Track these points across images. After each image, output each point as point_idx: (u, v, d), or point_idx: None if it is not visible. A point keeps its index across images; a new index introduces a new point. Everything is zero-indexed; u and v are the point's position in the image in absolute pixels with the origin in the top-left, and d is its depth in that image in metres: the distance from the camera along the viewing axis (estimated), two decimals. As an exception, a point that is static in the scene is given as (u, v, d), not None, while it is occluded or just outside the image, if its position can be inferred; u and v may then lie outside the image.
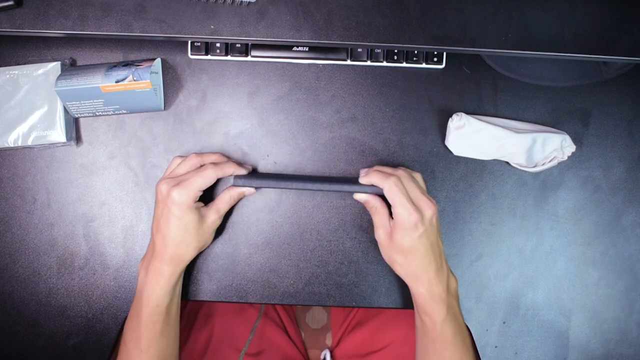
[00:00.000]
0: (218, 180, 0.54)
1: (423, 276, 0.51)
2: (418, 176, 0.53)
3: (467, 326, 0.58)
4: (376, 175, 0.51)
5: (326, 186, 0.53)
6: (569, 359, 0.60)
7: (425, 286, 0.51)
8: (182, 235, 0.51)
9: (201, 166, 0.53)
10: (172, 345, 0.54)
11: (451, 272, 0.53)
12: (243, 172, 0.54)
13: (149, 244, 0.53)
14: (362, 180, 0.52)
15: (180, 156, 0.54)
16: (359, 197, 0.53)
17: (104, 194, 0.58)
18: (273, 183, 0.53)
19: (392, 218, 0.51)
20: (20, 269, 0.58)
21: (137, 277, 0.53)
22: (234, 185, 0.53)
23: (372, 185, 0.51)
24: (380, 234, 0.52)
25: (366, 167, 0.55)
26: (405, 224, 0.49)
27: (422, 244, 0.50)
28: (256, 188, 0.55)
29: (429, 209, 0.50)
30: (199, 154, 0.54)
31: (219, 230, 0.58)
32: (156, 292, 0.51)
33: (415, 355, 0.56)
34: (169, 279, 0.51)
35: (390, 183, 0.50)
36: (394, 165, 0.58)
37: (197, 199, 0.51)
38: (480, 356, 0.59)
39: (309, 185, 0.52)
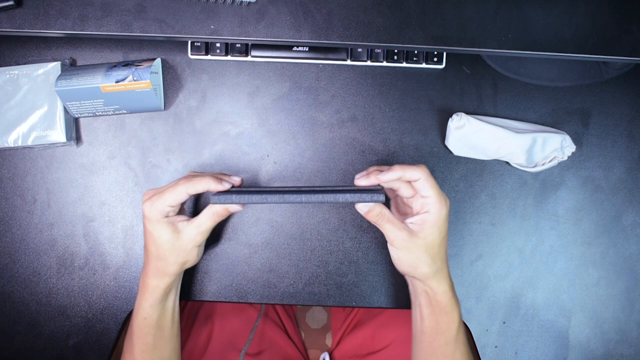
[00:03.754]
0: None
1: (445, 271, 0.49)
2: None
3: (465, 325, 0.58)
4: (398, 167, 0.46)
5: (316, 197, 0.45)
6: (569, 359, 0.60)
7: (447, 281, 0.49)
8: (157, 249, 0.50)
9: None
10: (168, 359, 0.53)
11: None
12: (220, 187, 0.49)
13: None
14: (362, 180, 0.47)
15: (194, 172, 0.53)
16: (362, 207, 0.47)
17: (104, 194, 0.58)
18: (255, 198, 0.46)
19: (409, 215, 0.48)
20: (20, 269, 0.58)
21: None
22: (212, 203, 0.48)
23: (368, 189, 0.46)
24: (402, 238, 0.47)
25: (363, 171, 0.50)
26: (442, 213, 0.47)
27: (447, 233, 0.48)
28: (242, 204, 0.49)
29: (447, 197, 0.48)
30: (198, 173, 0.52)
31: (216, 236, 0.58)
32: (142, 305, 0.51)
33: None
34: (152, 292, 0.51)
35: (425, 170, 0.46)
36: (393, 163, 0.58)
37: (171, 214, 0.49)
38: (480, 356, 0.59)
39: (293, 198, 0.45)
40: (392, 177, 0.46)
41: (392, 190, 0.51)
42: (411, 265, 0.48)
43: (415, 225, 0.47)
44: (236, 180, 0.52)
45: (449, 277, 0.50)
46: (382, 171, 0.47)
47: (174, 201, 0.48)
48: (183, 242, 0.50)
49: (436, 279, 0.49)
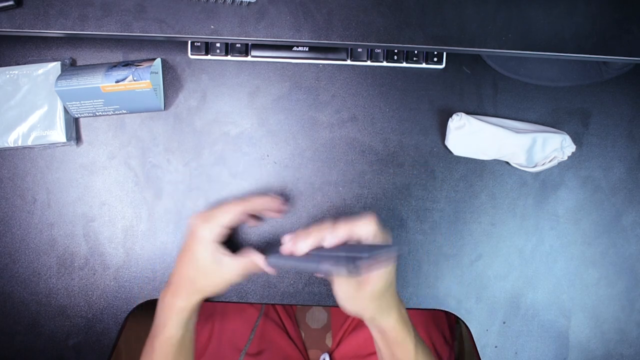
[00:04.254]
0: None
1: (394, 306, 0.48)
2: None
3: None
4: (344, 227, 0.44)
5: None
6: (569, 359, 0.60)
7: (394, 314, 0.48)
8: (194, 272, 0.49)
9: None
10: None
11: None
12: (277, 206, 0.52)
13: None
14: (329, 241, 0.44)
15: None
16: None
17: (104, 194, 0.58)
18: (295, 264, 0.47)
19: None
20: (20, 269, 0.58)
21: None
22: (269, 265, 0.49)
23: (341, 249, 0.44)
24: (347, 287, 0.46)
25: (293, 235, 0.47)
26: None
27: (394, 276, 0.47)
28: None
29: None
30: (243, 199, 0.52)
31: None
32: (168, 325, 0.50)
33: None
34: (179, 313, 0.50)
35: (375, 223, 0.45)
36: (396, 165, 0.58)
37: (222, 239, 0.50)
38: (480, 356, 0.59)
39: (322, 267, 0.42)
40: (339, 241, 0.44)
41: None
42: (356, 312, 0.48)
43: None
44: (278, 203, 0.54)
45: (396, 306, 0.48)
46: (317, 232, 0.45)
47: (229, 221, 0.48)
48: (220, 273, 0.50)
49: (382, 317, 0.48)
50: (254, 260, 0.50)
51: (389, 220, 0.59)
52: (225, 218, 0.49)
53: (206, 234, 0.48)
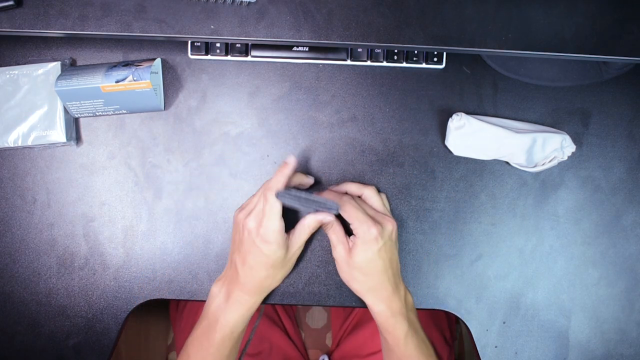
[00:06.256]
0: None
1: (382, 292, 0.51)
2: (383, 196, 0.56)
3: (429, 340, 0.56)
4: (330, 194, 0.53)
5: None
6: (569, 359, 0.60)
7: (384, 303, 0.51)
8: (269, 270, 0.51)
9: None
10: None
11: (406, 288, 0.54)
12: (289, 172, 0.49)
13: (229, 269, 0.53)
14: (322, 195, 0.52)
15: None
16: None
17: (104, 194, 0.58)
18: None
19: (351, 236, 0.51)
20: (20, 269, 0.58)
21: (211, 299, 0.53)
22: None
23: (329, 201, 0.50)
24: (339, 251, 0.51)
25: (339, 182, 0.57)
26: (365, 238, 0.49)
27: (381, 258, 0.50)
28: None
29: (388, 223, 0.51)
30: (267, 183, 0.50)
31: (217, 236, 0.58)
32: (234, 319, 0.51)
33: None
34: (249, 309, 0.52)
35: (344, 201, 0.51)
36: (396, 165, 0.58)
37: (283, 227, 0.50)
38: (480, 356, 0.59)
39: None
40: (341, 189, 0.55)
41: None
42: (344, 278, 0.53)
43: (351, 243, 0.51)
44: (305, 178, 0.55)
45: (391, 301, 0.51)
46: (333, 191, 0.55)
47: (279, 212, 0.48)
48: (289, 257, 0.52)
49: (370, 297, 0.51)
50: (303, 225, 0.51)
51: (389, 220, 0.59)
52: (275, 211, 0.48)
53: (272, 235, 0.48)
